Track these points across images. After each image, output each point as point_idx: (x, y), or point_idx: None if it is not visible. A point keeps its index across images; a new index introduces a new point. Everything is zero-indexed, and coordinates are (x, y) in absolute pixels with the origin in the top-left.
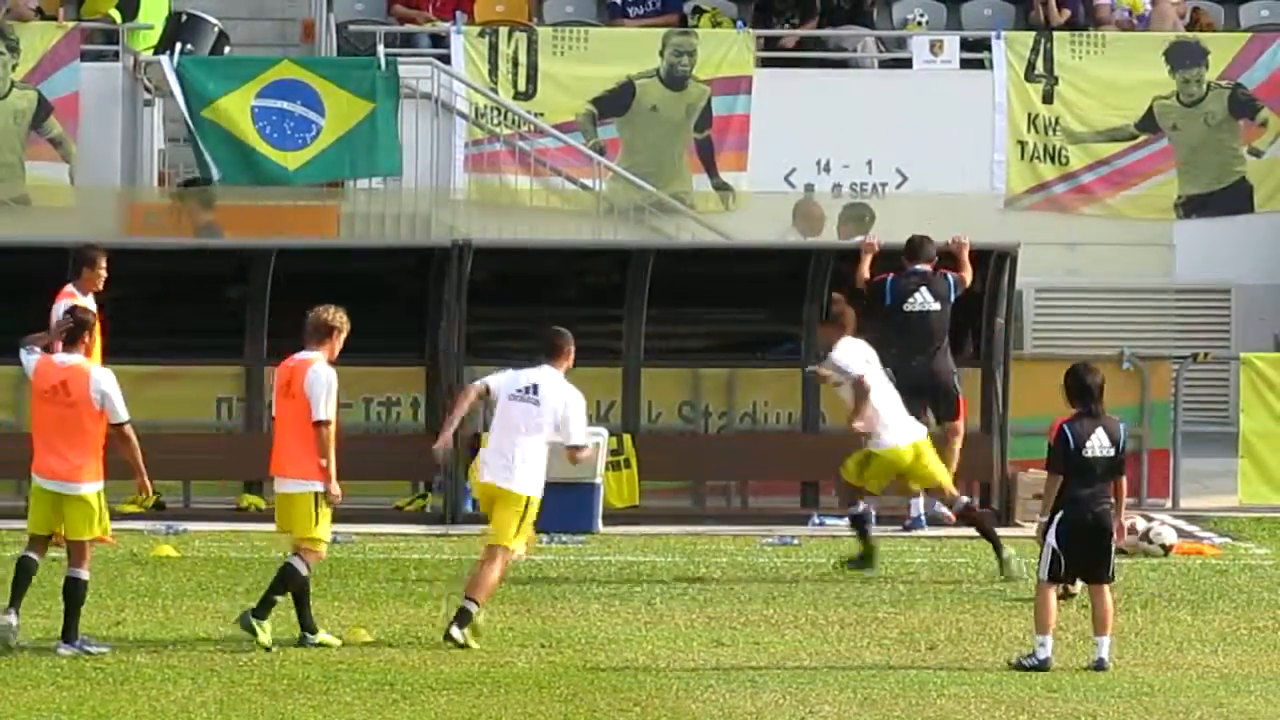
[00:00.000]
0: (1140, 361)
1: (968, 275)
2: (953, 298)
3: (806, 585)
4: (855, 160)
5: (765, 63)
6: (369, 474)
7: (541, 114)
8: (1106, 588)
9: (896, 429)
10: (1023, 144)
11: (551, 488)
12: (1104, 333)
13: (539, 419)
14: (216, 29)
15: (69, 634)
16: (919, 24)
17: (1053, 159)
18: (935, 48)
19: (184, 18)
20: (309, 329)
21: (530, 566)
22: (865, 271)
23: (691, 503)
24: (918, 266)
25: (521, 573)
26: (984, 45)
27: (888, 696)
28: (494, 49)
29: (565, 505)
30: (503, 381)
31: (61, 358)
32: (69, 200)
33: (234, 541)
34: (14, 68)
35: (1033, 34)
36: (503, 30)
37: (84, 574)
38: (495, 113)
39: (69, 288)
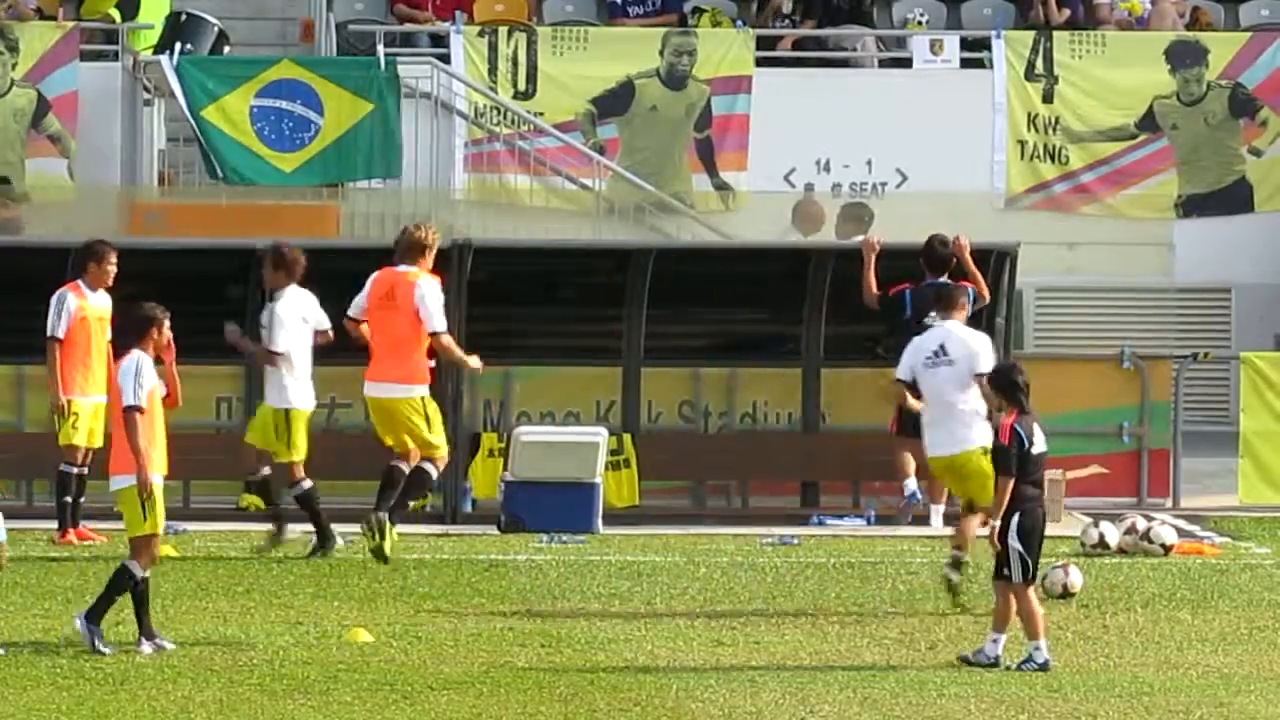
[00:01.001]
0: (1140, 361)
1: (984, 287)
2: (971, 311)
3: (807, 585)
4: (855, 160)
5: (765, 62)
6: (369, 473)
7: (541, 114)
8: (1032, 589)
9: (296, 392)
10: (1023, 143)
11: (551, 487)
12: (1104, 332)
13: (957, 376)
14: (216, 28)
15: (91, 612)
16: (919, 23)
17: (1053, 158)
18: (935, 47)
19: (183, 17)
20: (403, 247)
21: (530, 566)
22: (871, 277)
23: (691, 502)
24: (938, 279)
25: (521, 573)
26: (984, 45)
27: (888, 696)
28: (494, 48)
29: (565, 505)
30: (912, 359)
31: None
32: (69, 195)
33: (234, 541)
34: (14, 67)
35: (1033, 33)
36: (502, 30)
37: (137, 569)
38: (495, 112)
39: (77, 283)
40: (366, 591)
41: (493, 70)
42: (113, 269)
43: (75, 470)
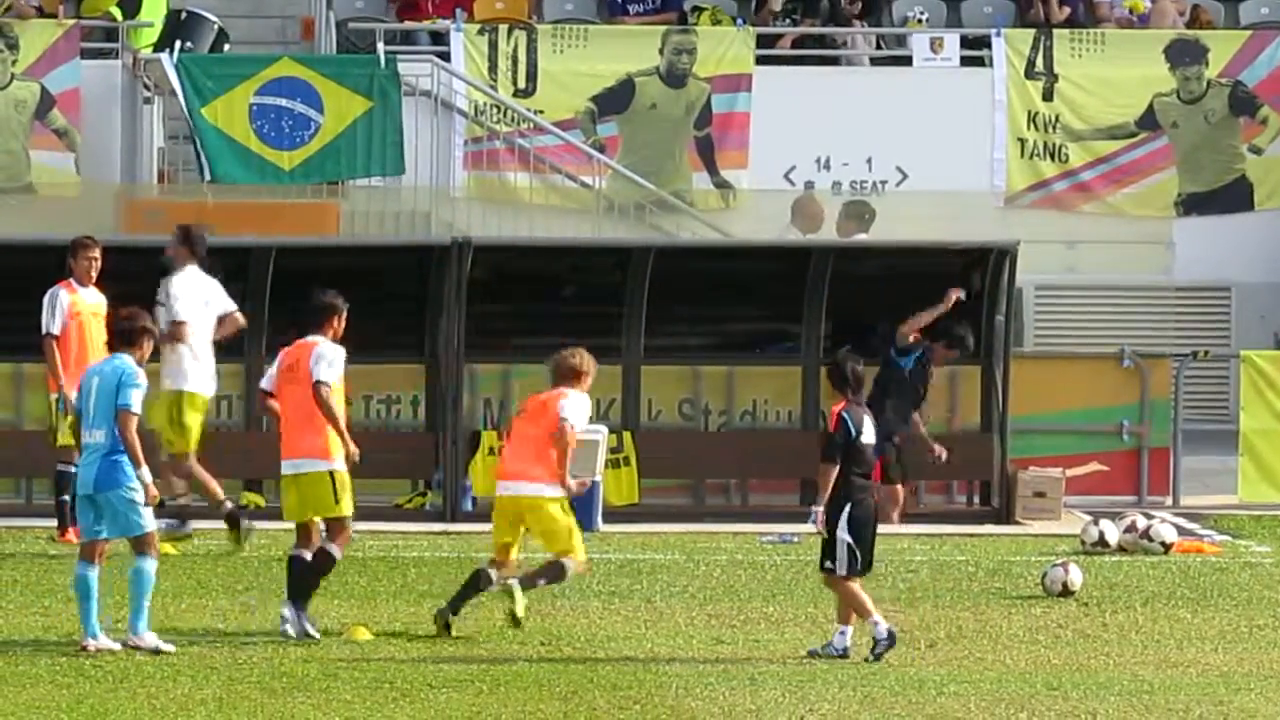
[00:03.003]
0: (1140, 359)
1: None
2: (921, 360)
3: (806, 583)
4: (855, 158)
5: (765, 60)
6: (369, 472)
7: (541, 111)
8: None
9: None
10: (1023, 141)
11: None
12: (1104, 330)
13: None
14: (216, 26)
15: (297, 594)
16: (919, 21)
17: (1053, 156)
18: (935, 45)
19: (184, 15)
20: (559, 373)
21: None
22: (924, 321)
23: (691, 500)
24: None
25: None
26: (984, 43)
27: (887, 694)
28: (494, 46)
29: None
30: None
31: (306, 339)
32: (74, 191)
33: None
34: (14, 64)
35: (1032, 31)
36: (502, 28)
37: (336, 550)
38: (495, 110)
39: (69, 280)
40: (366, 590)
41: (493, 68)
42: (95, 263)
43: (73, 469)
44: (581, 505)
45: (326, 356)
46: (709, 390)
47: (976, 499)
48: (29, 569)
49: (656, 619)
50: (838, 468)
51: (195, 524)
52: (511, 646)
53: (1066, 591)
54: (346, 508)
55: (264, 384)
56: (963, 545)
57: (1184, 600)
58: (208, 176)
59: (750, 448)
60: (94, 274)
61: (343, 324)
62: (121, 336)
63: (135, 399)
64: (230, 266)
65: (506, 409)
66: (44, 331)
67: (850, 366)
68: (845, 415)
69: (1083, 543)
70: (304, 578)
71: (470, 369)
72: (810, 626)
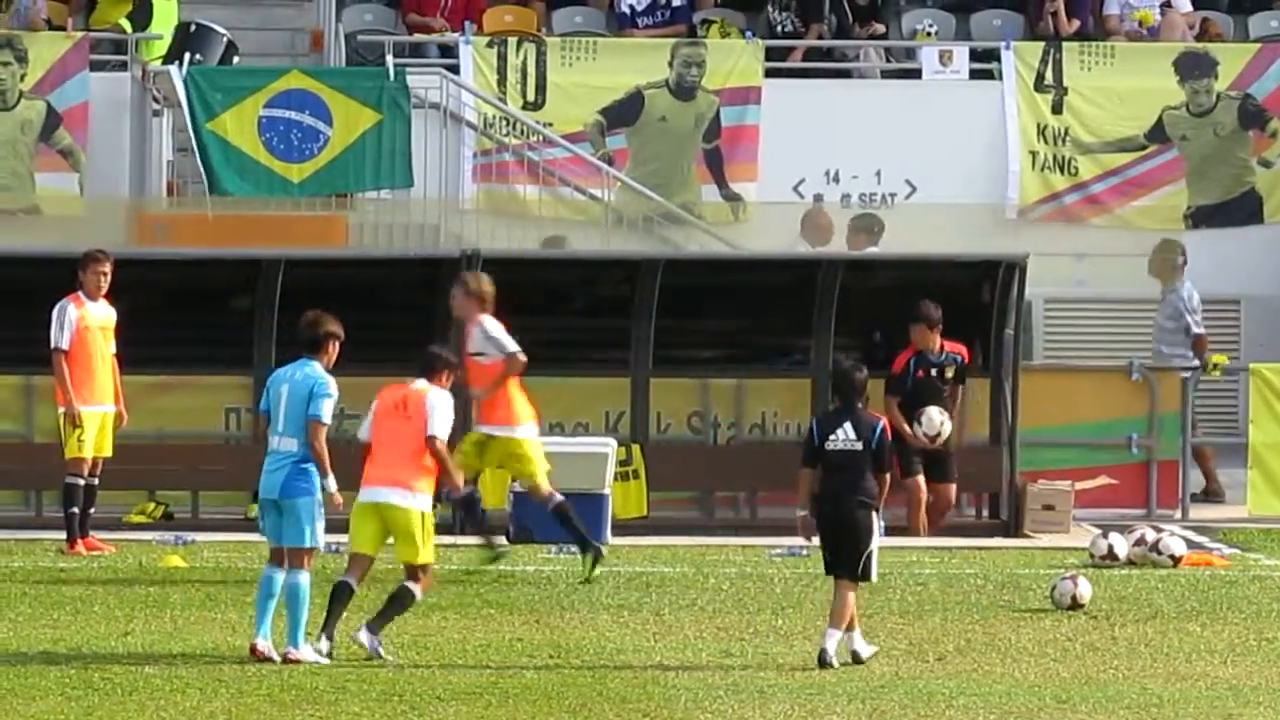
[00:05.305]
0: (1149, 372)
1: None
2: None
3: (815, 596)
4: (864, 170)
5: (774, 73)
6: None
7: (550, 124)
8: (845, 584)
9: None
10: (1033, 154)
11: None
12: (1113, 343)
13: None
14: (225, 39)
15: (374, 624)
16: (928, 34)
17: (1063, 169)
18: (944, 58)
19: (193, 28)
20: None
21: (539, 577)
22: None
23: (700, 513)
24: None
25: (530, 583)
26: (993, 55)
27: (896, 708)
28: (503, 59)
29: None
30: None
31: (417, 385)
32: (78, 210)
33: (242, 552)
34: (23, 78)
35: (1042, 44)
36: (511, 40)
37: (417, 591)
38: (504, 123)
39: (77, 293)
40: (375, 603)
41: (502, 81)
42: (105, 276)
43: (83, 481)
44: (590, 518)
45: (441, 408)
46: (718, 403)
47: (985, 512)
48: (38, 581)
49: (665, 631)
50: (808, 471)
51: (204, 537)
52: (520, 659)
53: (1075, 604)
54: (429, 555)
55: (362, 435)
56: (971, 558)
57: (1193, 613)
58: (215, 189)
59: (759, 460)
60: (104, 287)
61: (451, 380)
62: (309, 344)
63: (326, 409)
64: (239, 279)
65: None
66: (53, 346)
67: (841, 371)
68: (814, 421)
69: (1091, 556)
70: (388, 610)
71: None
72: (819, 640)
